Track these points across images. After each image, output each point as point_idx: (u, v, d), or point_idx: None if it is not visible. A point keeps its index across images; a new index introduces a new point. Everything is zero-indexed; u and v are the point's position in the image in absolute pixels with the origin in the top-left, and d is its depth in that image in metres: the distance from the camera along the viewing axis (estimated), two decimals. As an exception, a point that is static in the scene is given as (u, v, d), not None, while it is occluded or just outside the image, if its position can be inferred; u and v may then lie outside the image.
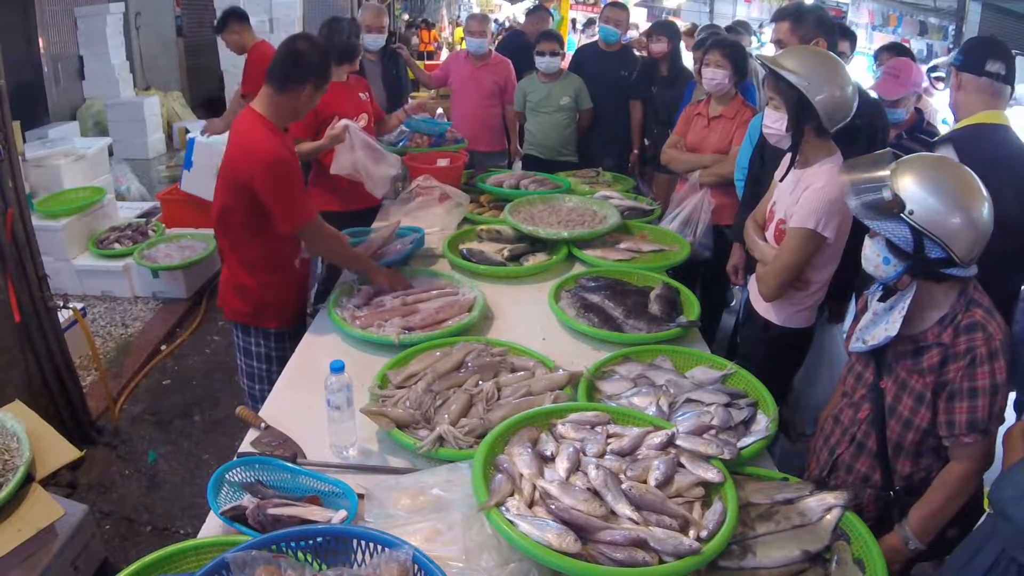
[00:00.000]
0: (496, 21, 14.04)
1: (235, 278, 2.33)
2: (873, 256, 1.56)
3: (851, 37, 4.33)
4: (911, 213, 1.45)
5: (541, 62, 4.19)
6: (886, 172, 1.51)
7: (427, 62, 8.72)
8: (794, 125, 2.02)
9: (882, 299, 1.63)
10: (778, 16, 2.66)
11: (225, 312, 2.44)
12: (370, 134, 3.16)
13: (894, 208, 1.46)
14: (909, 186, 1.46)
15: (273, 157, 2.09)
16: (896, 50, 4.19)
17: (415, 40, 11.99)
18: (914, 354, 1.57)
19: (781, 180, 2.19)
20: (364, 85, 3.30)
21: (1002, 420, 1.51)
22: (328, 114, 2.92)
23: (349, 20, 3.20)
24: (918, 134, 3.12)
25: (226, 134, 2.58)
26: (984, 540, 1.38)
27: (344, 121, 2.80)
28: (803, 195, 2.04)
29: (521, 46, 5.11)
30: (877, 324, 1.61)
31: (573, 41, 9.41)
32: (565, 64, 4.49)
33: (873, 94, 2.91)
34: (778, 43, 2.56)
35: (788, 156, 2.15)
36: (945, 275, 1.50)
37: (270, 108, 2.16)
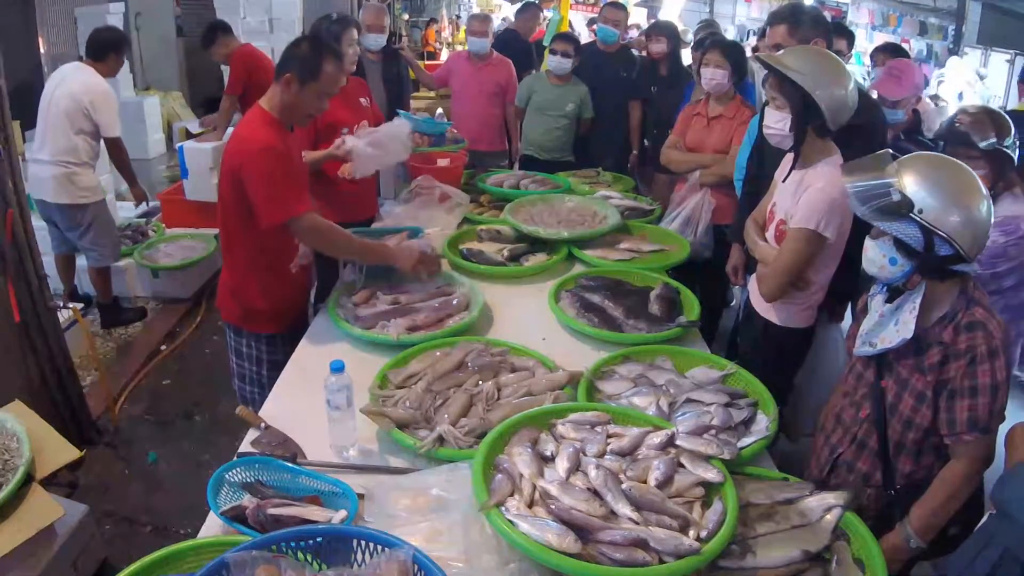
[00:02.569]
0: (503, 19, 14.06)
1: (230, 278, 2.33)
2: (878, 257, 1.56)
3: (847, 35, 4.34)
4: (920, 212, 1.45)
5: (552, 61, 4.19)
6: (890, 173, 1.51)
7: (427, 62, 8.72)
8: (798, 125, 2.02)
9: (889, 300, 1.63)
10: (774, 20, 2.65)
11: (221, 313, 2.43)
12: None
13: (903, 208, 1.46)
14: (914, 185, 1.47)
15: (261, 146, 2.06)
16: (892, 50, 4.21)
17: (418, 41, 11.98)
18: (915, 353, 1.57)
19: (784, 181, 2.19)
20: (364, 89, 3.22)
21: (1003, 418, 1.51)
22: (325, 123, 2.90)
23: (335, 20, 3.05)
24: (916, 136, 3.12)
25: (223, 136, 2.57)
26: (987, 541, 1.38)
27: (348, 145, 2.76)
28: (804, 195, 2.04)
29: (515, 45, 5.11)
30: (885, 326, 1.61)
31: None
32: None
33: (873, 94, 2.93)
34: (776, 47, 2.55)
35: (790, 156, 2.15)
36: (951, 272, 1.51)
37: (270, 100, 2.17)
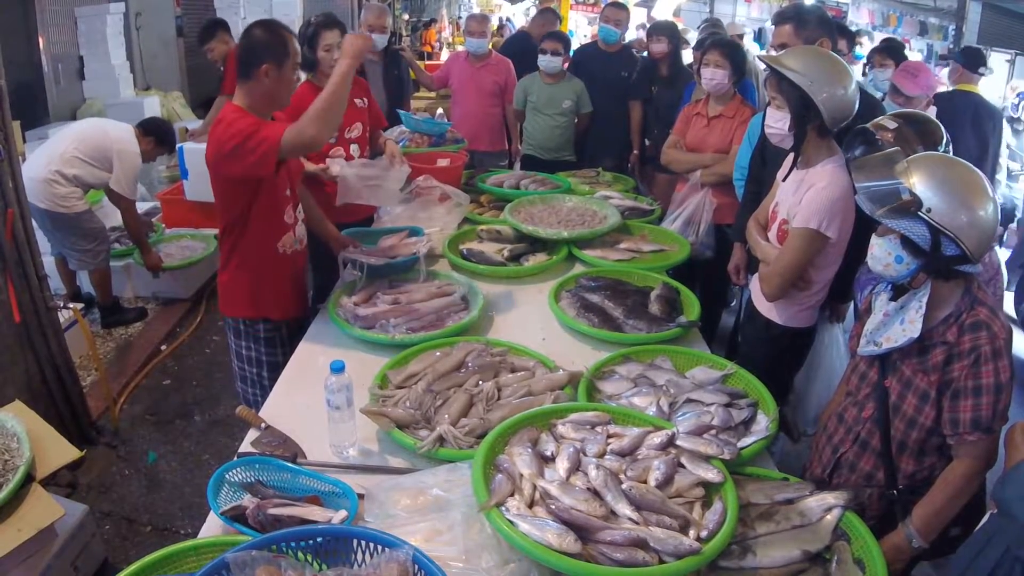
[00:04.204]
0: (508, 19, 14.00)
1: (227, 271, 2.32)
2: (883, 255, 1.56)
3: (848, 35, 4.38)
4: (929, 211, 1.45)
5: (543, 60, 4.19)
6: (899, 171, 1.52)
7: (426, 62, 8.71)
8: (797, 125, 2.02)
9: (894, 299, 1.63)
10: (779, 20, 2.65)
11: (222, 310, 2.42)
12: (364, 145, 3.10)
13: (911, 206, 1.47)
14: (923, 184, 1.47)
15: (229, 120, 2.05)
16: (890, 51, 4.28)
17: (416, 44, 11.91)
18: (919, 352, 1.57)
19: (784, 180, 2.19)
20: (363, 89, 3.16)
21: (1006, 419, 1.51)
22: None
23: (311, 22, 2.94)
24: None
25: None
26: (988, 540, 1.38)
27: (335, 170, 2.76)
28: (806, 195, 2.04)
29: (526, 48, 5.11)
30: (890, 325, 1.61)
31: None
32: (565, 65, 4.48)
33: (876, 92, 2.94)
34: (781, 47, 2.55)
35: (790, 156, 2.15)
36: (956, 272, 1.51)
37: (244, 98, 2.16)
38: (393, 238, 2.65)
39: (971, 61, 4.19)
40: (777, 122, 2.07)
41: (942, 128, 2.06)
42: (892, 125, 1.99)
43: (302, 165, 2.56)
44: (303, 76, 2.86)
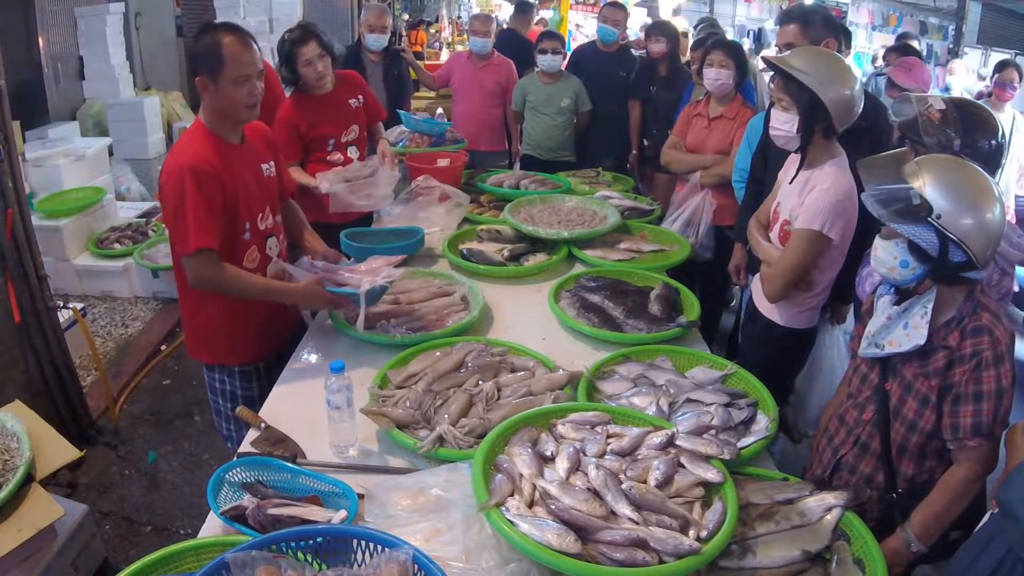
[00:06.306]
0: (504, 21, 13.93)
1: (187, 310, 2.14)
2: (888, 259, 1.54)
3: (845, 34, 4.45)
4: (939, 217, 1.44)
5: (543, 60, 4.20)
6: (909, 174, 1.50)
7: (425, 63, 8.71)
8: (805, 126, 2.01)
9: (898, 302, 1.62)
10: (784, 19, 2.64)
11: (188, 349, 2.20)
12: (363, 145, 3.11)
13: (921, 212, 1.45)
14: (932, 188, 1.45)
15: (177, 165, 1.82)
16: (904, 50, 4.40)
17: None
18: (920, 356, 1.56)
19: (791, 182, 2.18)
20: (359, 86, 3.12)
21: (1007, 424, 1.50)
22: (312, 135, 2.88)
23: (286, 38, 2.79)
24: None
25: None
26: (989, 540, 1.37)
27: (324, 188, 2.77)
28: (808, 196, 2.04)
29: (515, 43, 5.12)
30: (893, 328, 1.60)
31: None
32: (563, 64, 4.49)
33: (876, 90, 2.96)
34: (787, 47, 2.54)
35: (795, 158, 2.14)
36: (961, 278, 1.50)
37: (203, 112, 1.93)
38: (380, 260, 2.24)
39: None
40: (784, 124, 2.04)
41: (997, 120, 2.07)
42: (940, 105, 2.01)
43: (292, 185, 2.41)
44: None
